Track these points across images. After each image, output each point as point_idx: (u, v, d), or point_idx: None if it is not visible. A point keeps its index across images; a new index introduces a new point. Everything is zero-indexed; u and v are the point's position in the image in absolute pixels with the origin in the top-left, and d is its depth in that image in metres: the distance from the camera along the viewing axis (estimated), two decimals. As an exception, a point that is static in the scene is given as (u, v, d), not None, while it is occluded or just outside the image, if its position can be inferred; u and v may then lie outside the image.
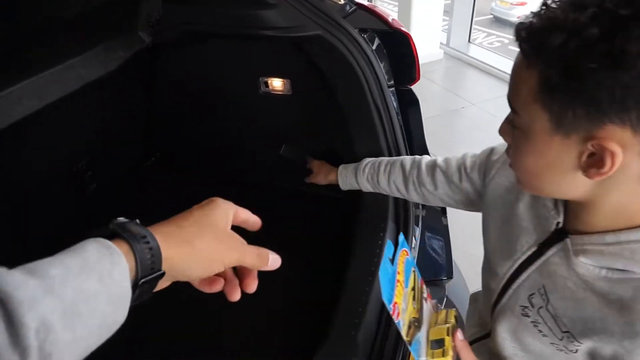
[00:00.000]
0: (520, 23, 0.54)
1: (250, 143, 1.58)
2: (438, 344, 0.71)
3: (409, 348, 0.68)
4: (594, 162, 0.53)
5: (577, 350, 0.64)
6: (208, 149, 1.65)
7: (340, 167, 1.21)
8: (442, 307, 0.79)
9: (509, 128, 0.61)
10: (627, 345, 0.58)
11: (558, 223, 0.67)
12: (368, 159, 1.15)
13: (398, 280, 0.68)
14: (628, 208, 0.57)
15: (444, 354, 0.69)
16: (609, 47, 0.46)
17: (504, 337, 0.75)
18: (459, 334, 0.71)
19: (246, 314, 1.12)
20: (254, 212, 0.56)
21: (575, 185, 0.57)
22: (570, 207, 0.65)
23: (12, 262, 0.37)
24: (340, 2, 1.26)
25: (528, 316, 0.70)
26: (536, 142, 0.57)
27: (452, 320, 0.74)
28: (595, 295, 0.61)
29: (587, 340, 0.62)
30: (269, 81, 1.41)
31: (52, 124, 1.23)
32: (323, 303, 1.11)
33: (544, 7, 0.52)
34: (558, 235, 0.66)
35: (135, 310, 0.42)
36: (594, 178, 0.53)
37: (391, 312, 0.64)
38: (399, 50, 1.30)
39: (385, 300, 0.63)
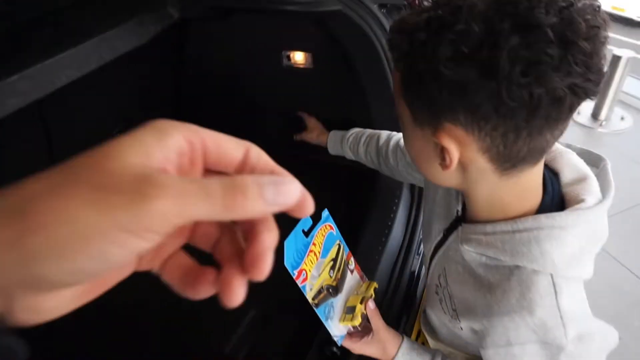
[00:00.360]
0: (392, 21, 0.59)
1: (272, 116, 1.62)
2: (351, 310, 0.80)
3: (315, 310, 0.76)
4: (442, 156, 0.57)
5: (462, 328, 0.71)
6: (232, 124, 1.69)
7: (332, 132, 1.27)
8: (367, 280, 0.89)
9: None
10: (486, 323, 0.64)
11: (458, 211, 0.72)
12: (355, 129, 1.20)
13: (312, 251, 0.75)
14: (500, 200, 0.61)
15: (352, 319, 0.79)
16: (429, 51, 0.50)
17: (428, 311, 0.86)
18: (371, 303, 0.81)
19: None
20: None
21: (443, 175, 0.61)
22: (466, 203, 0.69)
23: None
24: (360, -22, 1.28)
25: (437, 294, 0.78)
26: (407, 132, 0.62)
27: (371, 291, 0.83)
28: (473, 279, 0.67)
29: (464, 320, 0.69)
30: (292, 55, 1.46)
31: (89, 94, 1.30)
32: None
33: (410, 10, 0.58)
34: (456, 223, 0.72)
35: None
36: (444, 170, 0.58)
37: (294, 277, 0.72)
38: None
39: (287, 266, 0.70)
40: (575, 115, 3.07)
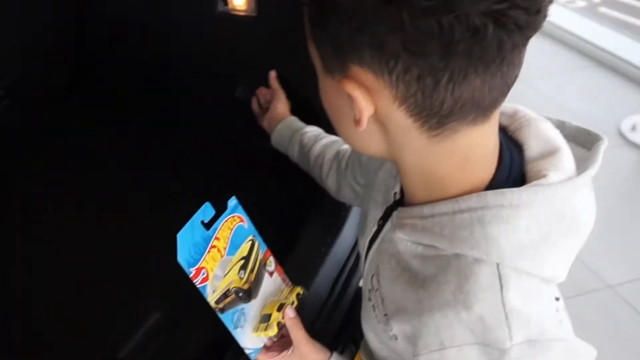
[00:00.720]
0: None
1: (198, 78, 1.31)
2: (267, 318, 0.72)
3: (220, 316, 0.68)
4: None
5: (396, 337, 0.60)
6: (147, 81, 1.38)
7: (291, 118, 1.07)
8: (292, 284, 0.78)
9: None
10: (416, 323, 0.55)
11: (396, 194, 0.63)
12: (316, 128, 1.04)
13: (214, 246, 0.67)
14: (434, 172, 0.53)
15: (267, 329, 0.70)
16: (340, 6, 0.43)
17: (364, 326, 0.72)
18: (289, 311, 0.71)
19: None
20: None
21: (361, 137, 0.54)
22: (400, 180, 0.60)
23: None
24: None
25: (370, 300, 0.66)
26: (321, 84, 0.54)
27: (293, 297, 0.73)
28: (408, 274, 0.58)
29: (395, 324, 0.59)
30: (229, -5, 1.15)
31: None
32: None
33: None
34: (392, 210, 0.63)
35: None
36: (357, 128, 0.50)
37: (190, 276, 0.64)
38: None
39: (181, 262, 0.62)
40: (627, 131, 2.73)
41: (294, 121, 1.06)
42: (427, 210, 0.53)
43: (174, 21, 1.25)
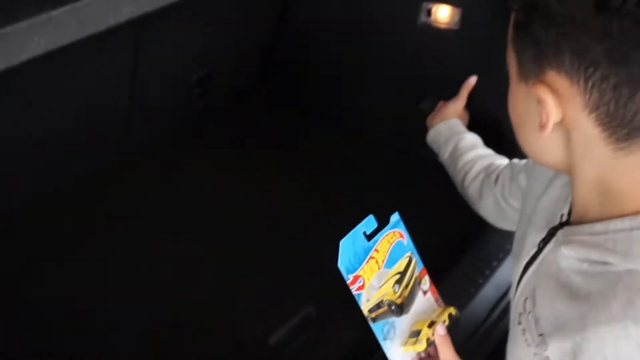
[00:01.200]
0: None
1: (389, 89, 1.33)
2: (416, 334, 0.72)
3: (371, 325, 0.70)
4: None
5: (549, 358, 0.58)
6: (334, 88, 1.44)
7: (455, 120, 1.08)
8: (444, 305, 0.79)
9: None
10: (578, 339, 0.53)
11: (562, 215, 0.62)
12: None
13: (373, 257, 0.70)
14: (615, 186, 0.51)
15: (415, 343, 0.71)
16: (550, 11, 0.46)
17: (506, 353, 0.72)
18: (440, 328, 0.71)
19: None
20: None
21: (544, 145, 0.54)
22: (572, 195, 0.59)
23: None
24: None
25: (520, 323, 0.65)
26: (512, 90, 0.57)
27: (445, 317, 0.73)
28: (568, 291, 0.56)
29: (552, 342, 0.57)
30: (434, 8, 1.16)
31: (173, 25, 1.14)
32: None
33: None
34: (556, 230, 0.61)
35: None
36: (541, 133, 0.51)
37: (348, 283, 0.67)
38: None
39: (341, 268, 0.65)
40: None
41: (457, 124, 1.07)
42: (599, 227, 0.52)
43: (374, 30, 1.28)
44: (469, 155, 0.99)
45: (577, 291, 0.55)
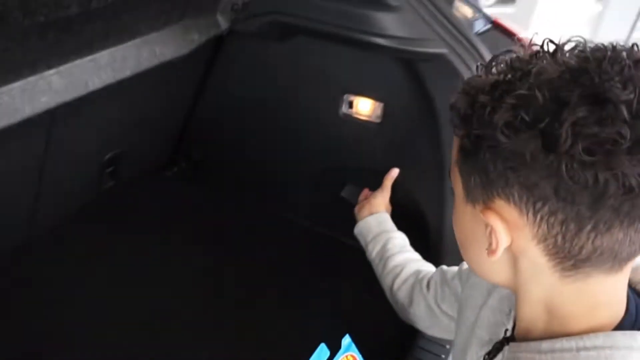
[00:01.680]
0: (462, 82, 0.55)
1: (306, 173, 1.34)
2: None
3: None
4: (490, 239, 0.52)
5: None
6: (250, 168, 1.43)
7: (385, 215, 1.09)
8: None
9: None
10: None
11: (507, 330, 0.64)
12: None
13: None
14: (560, 308, 0.53)
15: None
16: (487, 116, 0.47)
17: None
18: None
19: None
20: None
21: (491, 266, 0.56)
22: (516, 312, 0.60)
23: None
24: (469, 17, 1.03)
25: None
26: (458, 210, 0.58)
27: None
28: None
29: None
30: (355, 101, 1.17)
31: (86, 112, 1.11)
32: None
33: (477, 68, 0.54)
34: (501, 346, 0.62)
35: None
36: (490, 257, 0.52)
37: None
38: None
39: None
40: None
41: (386, 220, 1.07)
42: (545, 345, 0.53)
43: (292, 115, 1.29)
44: (398, 258, 0.98)
45: None
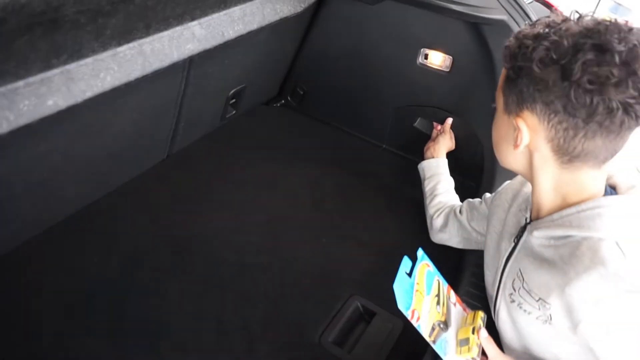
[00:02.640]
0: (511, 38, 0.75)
1: (387, 109, 1.60)
2: (465, 342, 0.84)
3: (433, 347, 0.81)
4: (515, 137, 0.74)
5: (551, 317, 0.75)
6: (343, 103, 1.69)
7: (444, 160, 1.33)
8: (470, 310, 0.91)
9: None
10: (568, 290, 0.71)
11: (526, 219, 0.85)
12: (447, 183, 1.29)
13: (417, 290, 0.82)
14: (561, 188, 0.75)
15: (469, 351, 0.82)
16: (529, 54, 0.67)
17: (505, 327, 0.88)
18: (482, 332, 0.84)
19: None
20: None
21: (513, 158, 0.79)
22: (532, 203, 0.82)
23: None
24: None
25: (514, 301, 0.83)
26: (497, 120, 0.80)
27: (478, 320, 0.85)
28: (545, 262, 0.76)
29: (549, 300, 0.74)
30: (429, 54, 1.43)
31: (231, 51, 1.32)
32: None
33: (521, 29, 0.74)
34: (524, 229, 0.84)
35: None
36: (515, 149, 0.74)
37: (409, 318, 0.78)
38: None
39: (401, 308, 0.77)
40: None
41: (443, 165, 1.34)
42: (555, 216, 0.76)
43: (378, 62, 1.53)
44: (442, 197, 1.25)
45: (552, 260, 0.75)
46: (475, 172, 1.38)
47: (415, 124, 1.55)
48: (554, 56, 0.65)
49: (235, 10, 1.23)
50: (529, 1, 1.25)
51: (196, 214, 1.28)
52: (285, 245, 1.22)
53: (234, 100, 1.55)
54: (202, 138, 1.55)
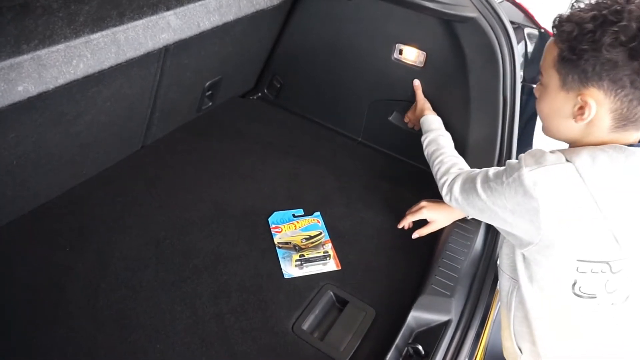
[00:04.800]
0: (558, 15, 0.83)
1: (363, 103, 1.62)
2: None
3: (277, 249, 1.20)
4: (580, 112, 0.83)
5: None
6: (318, 96, 1.70)
7: (430, 115, 1.33)
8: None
9: (538, 86, 0.92)
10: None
11: None
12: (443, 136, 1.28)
13: (293, 224, 1.28)
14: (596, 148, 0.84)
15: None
16: (594, 38, 0.76)
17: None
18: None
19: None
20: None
21: (568, 128, 0.87)
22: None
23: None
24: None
25: None
26: (549, 94, 0.87)
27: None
28: None
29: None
30: (404, 49, 1.45)
31: (207, 42, 1.32)
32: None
33: (571, 7, 0.82)
34: None
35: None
36: (578, 122, 0.84)
37: (271, 226, 1.26)
38: (540, 49, 1.31)
39: (269, 220, 1.28)
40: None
41: (440, 121, 1.34)
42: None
43: (354, 57, 1.55)
44: (448, 152, 1.23)
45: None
46: None
47: (390, 118, 1.58)
48: (623, 39, 0.74)
49: (211, 1, 1.23)
50: (499, 0, 1.29)
51: (171, 204, 1.29)
52: (261, 236, 1.24)
53: (210, 92, 1.56)
54: (177, 129, 1.55)
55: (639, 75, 0.75)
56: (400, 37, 1.44)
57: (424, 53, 1.42)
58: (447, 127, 1.36)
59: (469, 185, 1.00)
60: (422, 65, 1.44)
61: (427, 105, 1.40)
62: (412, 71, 1.46)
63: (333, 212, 1.35)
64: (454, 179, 1.07)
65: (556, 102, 0.86)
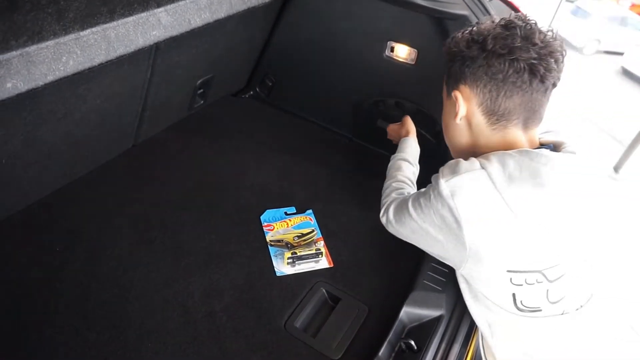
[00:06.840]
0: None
1: (355, 101, 1.61)
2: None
3: (269, 247, 1.20)
4: (456, 110, 0.91)
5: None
6: (310, 94, 1.70)
7: (410, 140, 1.28)
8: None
9: None
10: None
11: None
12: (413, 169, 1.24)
13: (285, 222, 1.28)
14: (495, 148, 0.88)
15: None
16: (460, 45, 0.89)
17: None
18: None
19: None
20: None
21: (457, 132, 0.95)
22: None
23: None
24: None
25: None
26: (444, 106, 0.99)
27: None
28: None
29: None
30: (395, 47, 1.45)
31: (198, 39, 1.31)
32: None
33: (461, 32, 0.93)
34: None
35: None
36: (456, 119, 0.92)
37: (263, 224, 1.26)
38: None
39: (261, 218, 1.28)
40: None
41: (417, 148, 1.30)
42: None
43: (345, 54, 1.55)
44: (407, 179, 1.20)
45: None
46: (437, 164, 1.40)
47: (378, 124, 1.58)
48: (475, 37, 0.87)
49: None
50: (489, -1, 1.30)
51: (162, 203, 1.28)
52: (253, 234, 1.23)
53: (201, 90, 1.55)
54: (169, 127, 1.54)
55: (491, 65, 0.83)
56: (392, 35, 1.44)
57: (416, 50, 1.42)
58: (435, 121, 1.35)
59: (402, 205, 0.98)
60: (413, 63, 1.44)
61: (414, 129, 1.35)
62: (403, 69, 1.46)
63: (325, 209, 1.35)
64: (392, 201, 1.05)
65: (446, 109, 0.98)
